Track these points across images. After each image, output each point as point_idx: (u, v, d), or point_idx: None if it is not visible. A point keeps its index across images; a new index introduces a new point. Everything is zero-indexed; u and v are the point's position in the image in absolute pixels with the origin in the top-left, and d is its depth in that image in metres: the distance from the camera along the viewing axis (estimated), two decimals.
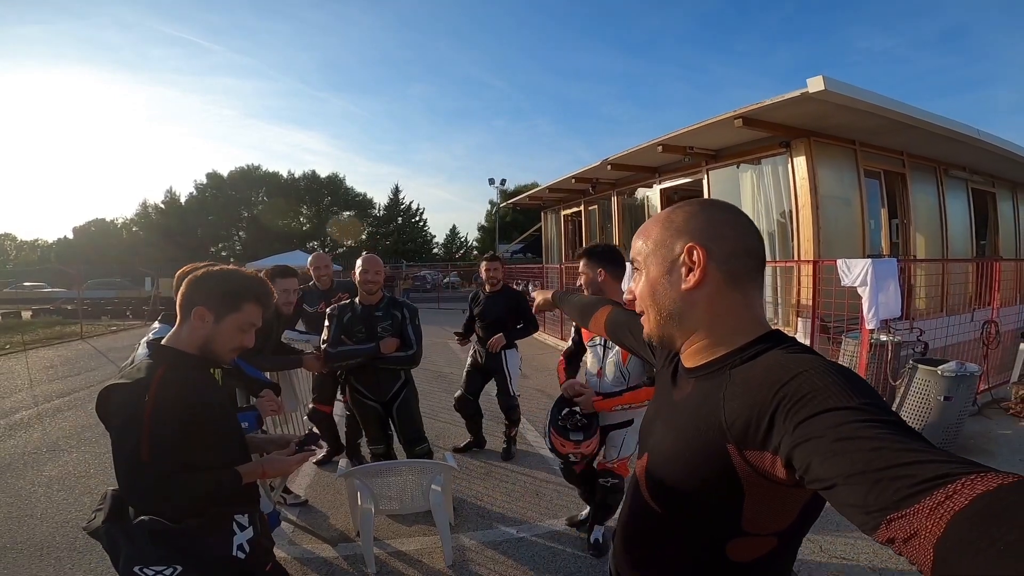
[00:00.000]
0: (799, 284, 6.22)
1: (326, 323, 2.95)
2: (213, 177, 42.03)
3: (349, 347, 2.90)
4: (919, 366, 3.99)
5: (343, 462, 2.85)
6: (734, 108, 6.15)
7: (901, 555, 0.45)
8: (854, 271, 4.09)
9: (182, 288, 1.35)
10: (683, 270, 0.78)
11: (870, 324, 4.02)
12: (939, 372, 3.87)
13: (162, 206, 41.67)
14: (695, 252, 0.77)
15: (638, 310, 0.88)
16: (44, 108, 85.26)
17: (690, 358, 0.82)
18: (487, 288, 4.10)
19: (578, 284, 2.62)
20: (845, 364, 4.55)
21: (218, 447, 1.34)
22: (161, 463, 1.17)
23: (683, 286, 0.78)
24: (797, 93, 5.03)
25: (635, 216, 10.50)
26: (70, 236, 44.21)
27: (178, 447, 1.21)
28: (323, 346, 2.92)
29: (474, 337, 4.18)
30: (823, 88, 4.77)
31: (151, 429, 1.16)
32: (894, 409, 4.03)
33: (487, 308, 4.06)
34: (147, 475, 1.17)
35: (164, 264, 25.44)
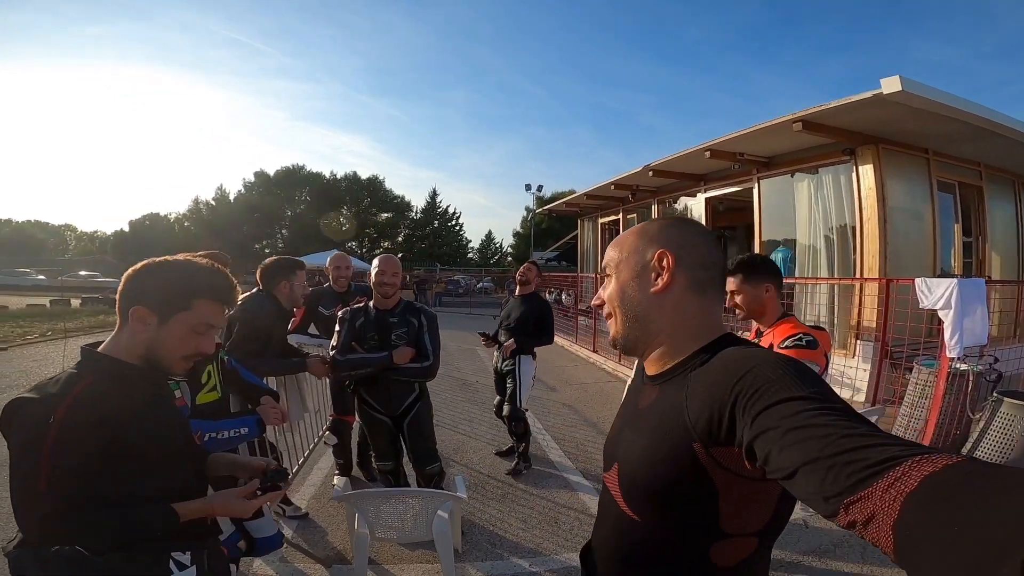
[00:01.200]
0: (861, 304, 5.67)
1: (336, 327, 2.68)
2: (260, 176, 43.64)
3: (359, 355, 2.59)
4: (1004, 399, 3.45)
5: (341, 480, 2.58)
6: (781, 117, 5.71)
7: (863, 538, 0.45)
8: (936, 292, 3.58)
9: (120, 285, 1.10)
10: (652, 274, 0.82)
11: (952, 352, 3.50)
12: None
13: (212, 203, 43.44)
14: (665, 258, 0.81)
15: (605, 313, 0.90)
16: (108, 105, 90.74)
17: (653, 365, 0.85)
18: (517, 290, 4.01)
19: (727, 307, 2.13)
20: (916, 394, 4.09)
21: (153, 476, 1.08)
22: (61, 494, 0.94)
23: (652, 289, 0.82)
24: (869, 95, 4.55)
25: None
26: (126, 229, 46.48)
27: (87, 477, 0.96)
28: (331, 352, 2.66)
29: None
30: (900, 89, 4.28)
31: (52, 454, 0.92)
32: (969, 447, 3.56)
33: (511, 309, 3.94)
34: (42, 506, 0.93)
35: None
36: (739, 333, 1.33)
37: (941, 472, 0.41)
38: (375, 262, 2.68)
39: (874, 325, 5.39)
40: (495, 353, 3.99)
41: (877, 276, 5.50)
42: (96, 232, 53.93)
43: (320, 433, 3.91)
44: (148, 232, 42.65)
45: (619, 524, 0.84)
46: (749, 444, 0.59)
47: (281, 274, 2.67)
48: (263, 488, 1.22)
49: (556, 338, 11.03)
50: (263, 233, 43.52)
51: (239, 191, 43.58)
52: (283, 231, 44.12)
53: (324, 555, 2.63)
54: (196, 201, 44.12)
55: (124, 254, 29.09)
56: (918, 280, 3.84)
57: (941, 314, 3.55)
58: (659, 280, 0.81)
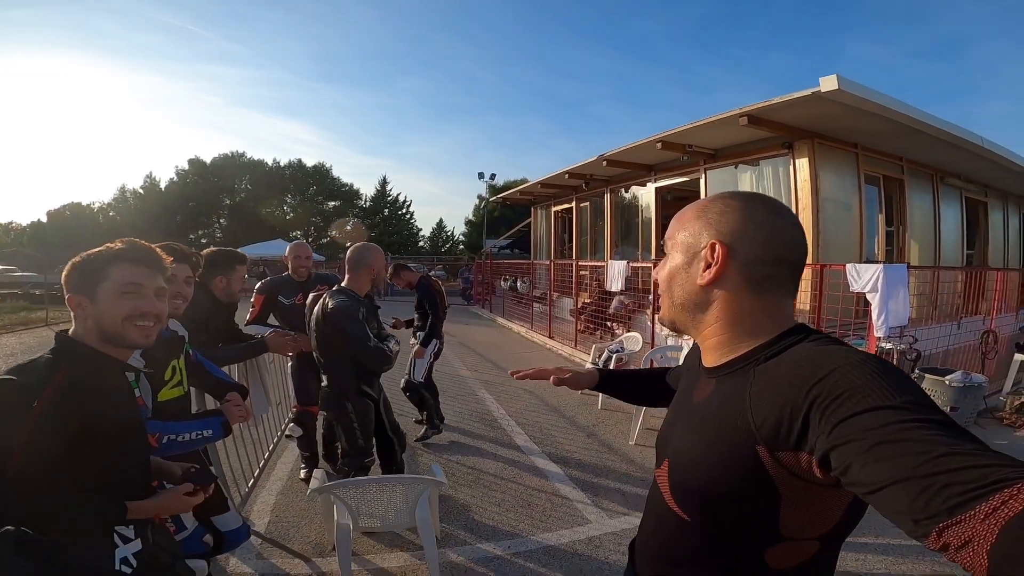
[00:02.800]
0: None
1: (354, 329, 2.49)
2: (195, 163, 41.09)
3: (390, 345, 2.66)
4: (926, 375, 3.86)
5: (319, 472, 2.56)
6: (724, 110, 6.05)
7: (955, 562, 0.42)
8: (864, 276, 3.93)
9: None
10: (702, 264, 0.75)
11: (879, 331, 3.87)
12: (946, 382, 3.75)
13: (141, 191, 40.62)
14: (716, 249, 0.73)
15: (660, 292, 0.85)
16: (25, 92, 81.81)
17: (710, 355, 0.78)
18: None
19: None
20: None
21: (111, 468, 1.15)
22: (29, 481, 0.99)
23: (698, 280, 0.75)
24: (808, 92, 4.89)
25: (627, 214, 10.35)
26: (44, 220, 42.71)
27: (57, 466, 1.03)
28: (388, 344, 2.62)
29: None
30: (836, 88, 4.62)
31: (31, 443, 0.98)
32: None
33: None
34: (5, 492, 0.98)
35: None
36: None
37: None
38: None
39: (808, 308, 5.83)
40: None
41: (811, 262, 5.94)
42: (11, 224, 49.08)
43: (282, 426, 3.84)
44: (69, 222, 39.31)
45: (666, 522, 0.80)
46: (825, 453, 0.55)
47: (217, 269, 2.55)
48: (191, 481, 1.31)
49: (513, 324, 11.28)
50: (199, 223, 41.13)
51: (171, 179, 40.94)
52: (221, 220, 41.86)
53: (301, 549, 2.62)
54: (123, 190, 41.08)
55: (43, 246, 26.65)
56: (849, 266, 4.20)
57: (869, 297, 3.91)
58: (706, 272, 0.74)
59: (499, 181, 31.08)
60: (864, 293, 3.96)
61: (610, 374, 1.33)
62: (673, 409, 0.88)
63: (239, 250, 2.82)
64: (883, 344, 4.04)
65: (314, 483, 2.24)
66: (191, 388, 2.03)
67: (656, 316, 0.88)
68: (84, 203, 42.80)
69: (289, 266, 3.47)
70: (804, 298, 5.97)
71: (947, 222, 8.20)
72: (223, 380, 2.09)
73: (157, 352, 1.64)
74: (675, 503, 0.77)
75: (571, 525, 2.92)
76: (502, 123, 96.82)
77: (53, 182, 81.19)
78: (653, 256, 8.90)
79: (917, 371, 3.89)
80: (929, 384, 3.78)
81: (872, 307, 3.89)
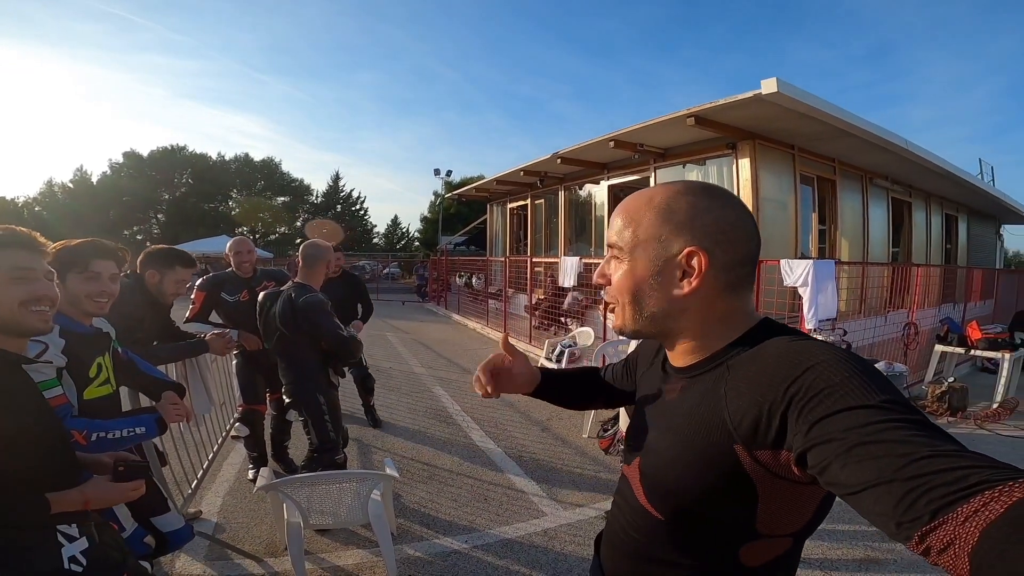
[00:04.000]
0: None
1: (324, 320, 2.54)
2: (131, 156, 38.55)
3: (354, 333, 2.75)
4: (853, 353, 4.13)
5: (265, 471, 2.48)
6: (676, 110, 6.25)
7: (936, 565, 0.42)
8: (796, 271, 4.18)
9: None
10: (678, 273, 0.70)
11: (810, 323, 4.12)
12: None
13: (70, 185, 37.77)
14: (696, 258, 0.68)
15: (609, 298, 0.78)
16: None
17: (679, 357, 0.76)
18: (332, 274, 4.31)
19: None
20: None
21: (21, 464, 1.09)
22: None
23: (675, 291, 0.70)
24: (750, 94, 5.11)
25: (581, 211, 10.52)
26: None
27: None
28: (350, 337, 2.64)
29: None
30: (776, 90, 4.86)
31: None
32: None
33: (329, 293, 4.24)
34: None
35: None
36: None
37: None
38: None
39: None
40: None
41: None
42: None
43: (227, 427, 3.69)
44: None
45: (637, 521, 0.79)
46: (803, 451, 0.54)
47: (153, 264, 2.43)
48: (119, 477, 1.25)
49: (468, 321, 11.27)
50: (134, 218, 38.63)
51: (104, 172, 38.26)
52: (159, 216, 39.54)
53: (252, 549, 2.54)
54: (50, 184, 38.05)
55: None
56: (783, 261, 4.45)
57: (800, 290, 4.16)
58: (685, 283, 0.69)
59: (456, 178, 30.79)
60: (796, 287, 4.20)
61: (546, 379, 1.17)
62: (642, 407, 0.85)
63: (184, 250, 2.68)
64: (815, 336, 4.30)
65: (261, 481, 2.18)
66: (124, 387, 1.93)
67: (614, 325, 0.80)
68: (8, 198, 39.43)
69: (231, 263, 3.33)
70: None
71: (875, 221, 8.80)
72: (158, 378, 1.99)
73: (80, 349, 1.55)
74: (648, 502, 0.76)
75: (527, 518, 2.96)
76: (461, 120, 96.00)
77: None
78: (607, 253, 9.08)
79: None
80: None
81: (803, 300, 4.14)
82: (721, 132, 6.47)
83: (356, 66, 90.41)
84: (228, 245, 3.37)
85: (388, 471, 2.48)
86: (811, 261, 4.15)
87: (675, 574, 0.75)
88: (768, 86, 4.94)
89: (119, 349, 1.85)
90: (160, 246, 2.58)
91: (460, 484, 3.39)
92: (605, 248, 0.81)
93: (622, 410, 3.56)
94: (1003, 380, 5.18)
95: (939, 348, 5.84)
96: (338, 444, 2.68)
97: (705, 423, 0.66)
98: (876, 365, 4.12)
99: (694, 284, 0.69)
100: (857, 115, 6.09)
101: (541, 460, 3.80)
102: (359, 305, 4.30)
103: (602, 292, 0.80)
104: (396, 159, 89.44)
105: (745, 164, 6.62)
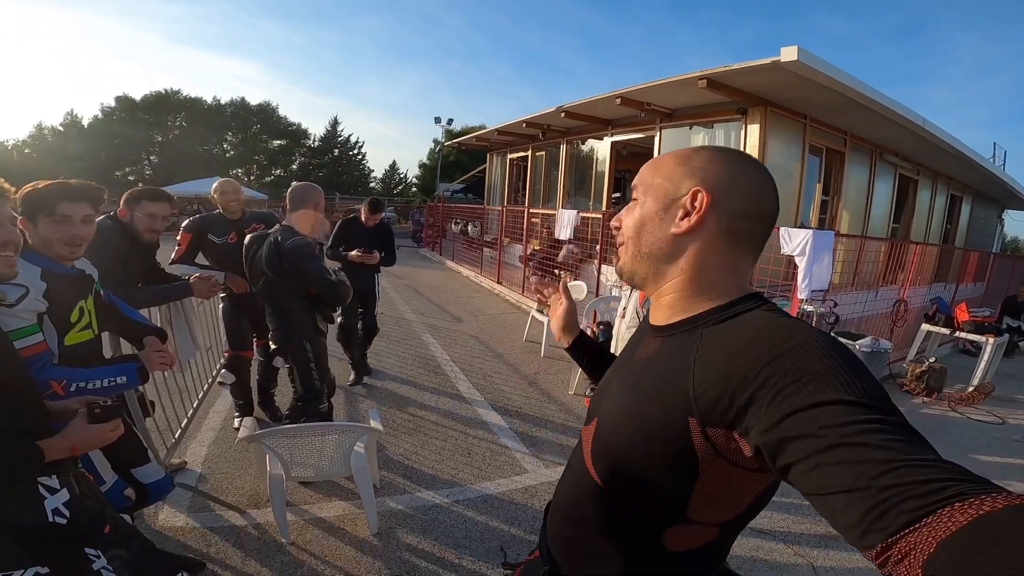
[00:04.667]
0: None
1: (311, 261, 2.47)
2: (123, 100, 37.33)
3: (343, 278, 2.63)
4: (839, 338, 4.16)
5: (248, 420, 2.48)
6: (689, 73, 5.98)
7: (891, 574, 0.41)
8: (795, 240, 4.12)
9: None
10: (680, 212, 0.70)
11: (802, 293, 4.10)
12: (856, 347, 4.05)
13: (60, 128, 36.64)
14: (699, 196, 0.69)
15: (619, 240, 0.79)
16: None
17: (661, 313, 0.74)
18: (367, 221, 4.28)
19: None
20: None
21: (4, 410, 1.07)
22: None
23: (673, 229, 0.71)
24: (768, 61, 4.92)
25: (582, 166, 10.32)
26: None
27: None
28: (338, 280, 2.55)
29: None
30: (796, 59, 4.66)
31: None
32: None
33: (368, 239, 4.20)
34: None
35: None
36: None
37: (1002, 512, 0.37)
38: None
39: None
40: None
41: None
42: None
43: (213, 372, 3.69)
44: None
45: (578, 484, 0.79)
46: (770, 441, 0.51)
47: (124, 202, 2.37)
48: (102, 417, 1.21)
49: (462, 268, 11.25)
50: (127, 160, 37.71)
51: (95, 116, 37.05)
52: (151, 158, 38.58)
53: (236, 500, 2.57)
54: (39, 127, 36.86)
55: None
56: (782, 229, 4.37)
57: (796, 260, 4.12)
58: (685, 221, 0.70)
59: (457, 127, 29.90)
60: (792, 256, 4.15)
61: (583, 341, 1.19)
62: (613, 366, 0.85)
63: (164, 189, 2.57)
64: (805, 306, 4.31)
65: (243, 432, 2.17)
66: (105, 332, 1.88)
67: (615, 265, 0.84)
68: None
69: (218, 204, 3.22)
70: None
71: (879, 195, 8.68)
72: (140, 323, 1.94)
73: (62, 292, 1.48)
74: (592, 465, 0.75)
75: (509, 474, 3.01)
76: (464, 69, 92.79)
77: None
78: (604, 208, 8.97)
79: (832, 333, 4.18)
80: None
81: (798, 270, 4.11)
82: (732, 96, 6.24)
83: (357, 10, 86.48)
84: (214, 186, 3.24)
85: (372, 423, 2.49)
86: (811, 231, 4.09)
87: (597, 545, 0.76)
88: (788, 54, 4.73)
89: (101, 292, 1.79)
90: (137, 187, 2.48)
91: (444, 436, 3.43)
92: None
93: None
94: (983, 364, 5.22)
95: (925, 327, 5.86)
96: (323, 393, 2.67)
97: (666, 387, 0.64)
98: (862, 340, 4.17)
99: (693, 221, 0.69)
100: (876, 89, 5.88)
101: (526, 415, 3.85)
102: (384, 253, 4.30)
103: (618, 239, 0.80)
104: (396, 105, 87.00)
105: (754, 130, 6.43)
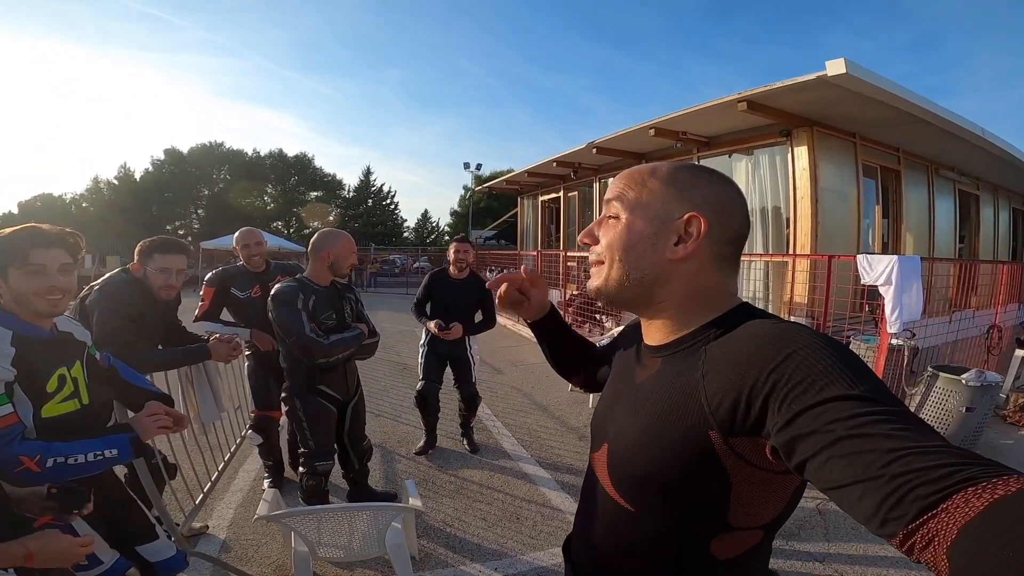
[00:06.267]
0: (793, 280, 5.87)
1: (281, 315, 2.27)
2: (171, 153, 39.95)
3: (341, 336, 2.40)
4: (940, 374, 3.63)
5: (269, 493, 2.20)
6: (726, 96, 5.75)
7: (919, 563, 0.41)
8: (877, 268, 3.68)
9: None
10: (674, 237, 0.69)
11: (893, 327, 3.62)
12: (963, 381, 3.52)
13: (115, 182, 39.42)
14: (697, 223, 0.68)
15: (594, 258, 0.75)
16: None
17: (656, 334, 0.73)
18: (455, 272, 3.69)
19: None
20: None
21: None
22: None
23: (668, 255, 0.69)
24: (813, 76, 4.64)
25: None
26: (15, 211, 41.22)
27: None
28: (310, 336, 2.27)
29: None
30: (844, 72, 4.36)
31: None
32: None
33: (453, 295, 3.67)
34: None
35: (116, 241, 23.84)
36: None
37: (1017, 495, 0.37)
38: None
39: (806, 301, 5.61)
40: (427, 334, 3.73)
41: (813, 253, 5.70)
42: None
43: (242, 433, 3.47)
44: (41, 213, 37.89)
45: (606, 512, 0.75)
46: (785, 441, 0.51)
47: (138, 256, 2.20)
48: (57, 498, 1.08)
49: (500, 317, 10.91)
50: (176, 213, 39.97)
51: (147, 169, 39.74)
52: (199, 211, 40.77)
53: (261, 572, 2.27)
54: (96, 180, 39.77)
55: None
56: (860, 257, 3.94)
57: (882, 290, 3.66)
58: (680, 248, 0.68)
59: (485, 171, 30.69)
60: (876, 286, 3.70)
61: (554, 313, 1.11)
62: (611, 390, 0.82)
63: (179, 239, 2.40)
64: (894, 341, 3.81)
65: (263, 507, 1.89)
66: (106, 401, 1.67)
67: (588, 285, 0.75)
68: (56, 194, 41.40)
69: (240, 256, 3.06)
70: (802, 291, 5.78)
71: (941, 214, 8.07)
72: (142, 388, 1.71)
73: (34, 359, 1.27)
74: (616, 491, 0.72)
75: (561, 534, 2.62)
76: (487, 114, 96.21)
77: (25, 173, 77.63)
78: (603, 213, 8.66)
79: (931, 368, 3.65)
80: (942, 383, 3.55)
81: (885, 301, 3.64)
82: (774, 118, 5.94)
83: (383, 63, 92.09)
84: (235, 237, 3.07)
85: (411, 500, 2.17)
86: (895, 257, 3.64)
87: (645, 568, 0.71)
88: (835, 67, 4.43)
89: (97, 356, 1.59)
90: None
91: (490, 500, 3.07)
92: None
93: None
94: None
95: (1020, 352, 5.18)
96: (320, 453, 2.47)
97: (680, 406, 0.63)
98: (967, 374, 3.62)
99: (689, 249, 0.68)
100: (929, 100, 5.49)
101: (578, 472, 3.44)
102: (481, 312, 3.80)
103: (589, 255, 0.76)
104: (424, 154, 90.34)
105: (802, 152, 6.06)
